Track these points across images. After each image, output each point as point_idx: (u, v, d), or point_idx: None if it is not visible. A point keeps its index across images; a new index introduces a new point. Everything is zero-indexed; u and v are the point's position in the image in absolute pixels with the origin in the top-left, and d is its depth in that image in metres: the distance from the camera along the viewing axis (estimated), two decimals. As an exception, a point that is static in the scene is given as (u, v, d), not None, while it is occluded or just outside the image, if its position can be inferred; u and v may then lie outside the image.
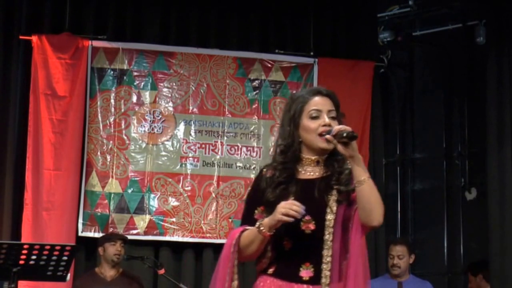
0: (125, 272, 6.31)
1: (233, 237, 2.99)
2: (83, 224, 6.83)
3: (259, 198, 3.02)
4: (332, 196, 2.97)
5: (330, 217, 2.94)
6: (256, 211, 3.03)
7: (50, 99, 6.83)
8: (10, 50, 6.93)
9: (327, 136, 2.93)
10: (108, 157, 6.97)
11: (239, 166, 7.16)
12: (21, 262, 5.04)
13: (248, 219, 3.04)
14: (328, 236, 2.93)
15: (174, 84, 7.15)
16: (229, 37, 7.38)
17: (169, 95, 7.14)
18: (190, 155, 7.10)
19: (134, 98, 7.09)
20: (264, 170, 3.07)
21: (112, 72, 7.06)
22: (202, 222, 7.03)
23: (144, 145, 7.05)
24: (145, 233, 6.93)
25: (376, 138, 7.53)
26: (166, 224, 6.96)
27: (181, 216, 7.00)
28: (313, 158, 3.02)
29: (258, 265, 3.05)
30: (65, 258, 5.15)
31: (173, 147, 7.09)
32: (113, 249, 6.20)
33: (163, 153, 7.06)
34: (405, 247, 6.41)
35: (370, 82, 7.46)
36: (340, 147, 2.89)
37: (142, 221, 6.94)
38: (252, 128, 7.24)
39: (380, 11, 7.94)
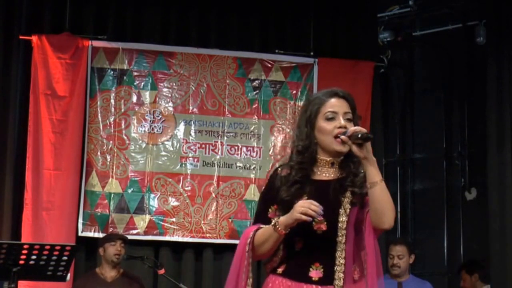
0: (125, 273, 6.30)
1: (247, 235, 2.99)
2: (83, 224, 6.83)
3: (273, 197, 3.01)
4: (346, 198, 2.96)
5: (343, 218, 2.94)
6: (270, 210, 3.02)
7: (50, 99, 6.83)
8: (10, 50, 6.93)
9: (342, 137, 2.93)
10: (108, 157, 6.97)
11: (239, 166, 7.16)
12: (21, 262, 5.04)
13: (261, 217, 3.03)
14: (341, 238, 2.92)
15: (174, 84, 7.15)
16: (229, 37, 7.38)
17: (169, 95, 7.13)
18: (190, 155, 7.10)
19: (134, 98, 7.09)
20: (279, 169, 3.07)
21: (112, 72, 7.06)
22: (202, 222, 7.02)
23: (144, 145, 7.05)
24: (145, 233, 6.93)
25: (376, 138, 7.51)
26: (166, 224, 6.96)
27: (181, 216, 7.00)
28: (328, 159, 3.01)
29: (268, 263, 3.04)
30: (65, 258, 5.15)
31: (173, 147, 7.08)
32: (113, 249, 6.19)
33: (163, 153, 7.06)
34: (405, 247, 6.40)
35: (370, 82, 7.45)
36: (354, 148, 2.90)
37: (142, 221, 6.94)
38: (252, 128, 7.24)
39: (380, 11, 7.95)
